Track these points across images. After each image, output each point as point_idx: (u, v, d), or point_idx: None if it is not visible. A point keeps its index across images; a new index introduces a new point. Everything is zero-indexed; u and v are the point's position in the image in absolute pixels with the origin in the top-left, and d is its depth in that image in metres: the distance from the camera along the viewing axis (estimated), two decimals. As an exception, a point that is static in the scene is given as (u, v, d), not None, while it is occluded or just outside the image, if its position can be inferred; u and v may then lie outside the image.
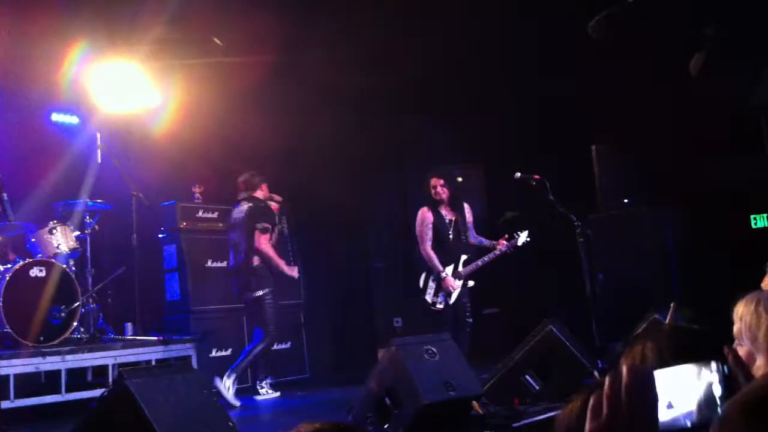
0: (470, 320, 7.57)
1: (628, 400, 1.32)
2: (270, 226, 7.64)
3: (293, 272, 7.80)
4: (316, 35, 9.01)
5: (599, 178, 8.71)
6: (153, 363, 7.22)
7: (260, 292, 7.54)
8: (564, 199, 7.19)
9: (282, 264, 7.68)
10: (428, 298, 7.48)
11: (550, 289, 8.88)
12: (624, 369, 1.33)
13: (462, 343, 7.25)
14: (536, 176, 7.24)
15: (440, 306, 7.45)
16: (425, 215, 7.59)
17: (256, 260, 7.55)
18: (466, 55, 9.08)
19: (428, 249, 7.51)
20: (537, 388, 6.17)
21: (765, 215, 7.59)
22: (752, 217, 7.65)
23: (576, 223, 7.04)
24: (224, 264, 8.49)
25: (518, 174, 7.29)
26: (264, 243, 7.55)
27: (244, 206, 7.67)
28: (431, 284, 7.48)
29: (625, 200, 8.54)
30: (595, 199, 8.66)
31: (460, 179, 9.59)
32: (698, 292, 6.99)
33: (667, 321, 4.77)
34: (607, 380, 1.34)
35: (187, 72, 9.18)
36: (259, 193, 7.80)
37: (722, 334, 2.16)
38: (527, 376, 6.20)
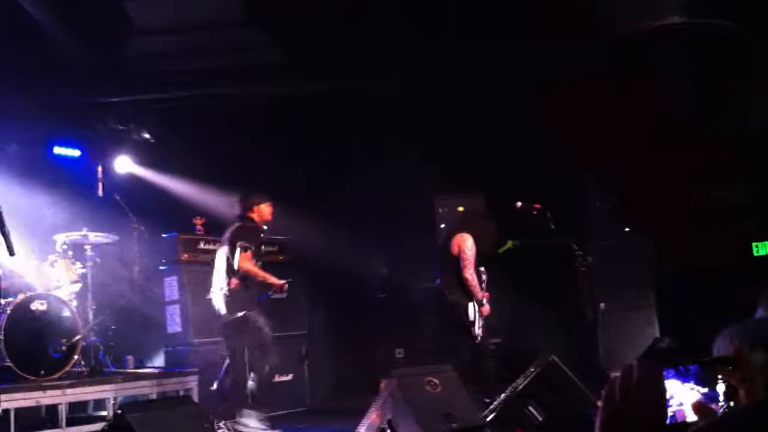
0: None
1: (639, 391, 1.38)
2: (250, 246, 7.37)
3: (281, 283, 7.51)
4: (310, 69, 9.10)
5: (600, 206, 8.73)
6: (154, 396, 7.18)
7: (240, 314, 7.33)
8: (564, 227, 7.19)
9: (270, 277, 7.46)
10: (478, 331, 7.36)
11: (551, 317, 8.86)
12: (635, 362, 1.42)
13: (488, 372, 7.26)
14: (537, 205, 7.25)
15: (479, 339, 7.36)
16: (469, 239, 7.50)
17: (233, 282, 7.36)
18: (465, 83, 9.14)
19: (473, 274, 7.42)
20: (540, 418, 6.13)
21: (766, 243, 7.60)
22: (754, 245, 7.65)
23: (577, 252, 7.04)
24: (226, 295, 8.50)
25: (519, 203, 7.29)
26: (250, 262, 7.34)
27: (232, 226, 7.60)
28: (478, 315, 7.38)
29: (626, 228, 8.55)
30: (594, 227, 8.67)
31: (460, 208, 9.61)
32: (699, 318, 6.97)
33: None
34: (619, 373, 1.43)
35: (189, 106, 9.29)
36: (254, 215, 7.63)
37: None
38: (530, 407, 6.17)
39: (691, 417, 1.76)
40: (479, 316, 7.31)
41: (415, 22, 8.22)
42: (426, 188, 9.67)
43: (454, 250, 7.47)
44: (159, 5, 8.32)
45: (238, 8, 8.27)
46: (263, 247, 7.62)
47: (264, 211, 7.63)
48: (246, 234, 7.41)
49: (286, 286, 7.50)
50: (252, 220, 7.56)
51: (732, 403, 1.78)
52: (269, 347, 7.33)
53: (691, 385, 1.81)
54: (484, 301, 7.41)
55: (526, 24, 8.11)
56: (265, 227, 7.77)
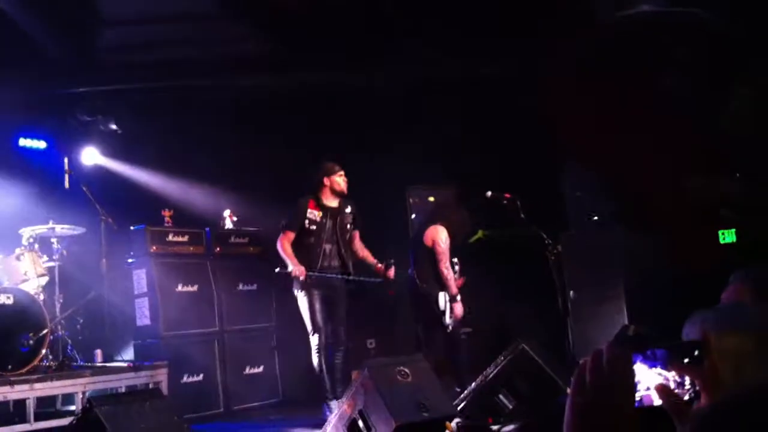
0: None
1: (608, 375, 1.40)
2: (287, 225, 7.25)
3: (297, 273, 7.11)
4: (288, 64, 9.05)
5: (569, 195, 8.76)
6: (123, 390, 7.12)
7: (294, 291, 7.28)
8: (534, 216, 7.22)
9: (290, 261, 7.15)
10: (449, 321, 7.35)
11: (522, 307, 8.89)
12: (604, 347, 1.43)
13: (459, 361, 7.29)
14: (507, 195, 7.27)
15: (450, 329, 7.37)
16: (443, 232, 7.51)
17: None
18: (436, 74, 9.14)
19: (449, 267, 7.44)
20: (510, 406, 6.16)
21: (733, 231, 7.66)
22: (720, 232, 7.71)
23: (547, 241, 7.07)
24: (195, 288, 8.43)
25: (489, 193, 7.31)
26: (279, 241, 7.22)
27: None
28: (448, 305, 7.38)
29: (595, 217, 8.58)
30: (565, 216, 8.70)
31: (431, 199, 9.61)
32: (668, 307, 7.02)
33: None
34: (589, 358, 1.44)
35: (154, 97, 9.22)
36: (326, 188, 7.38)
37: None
38: (500, 395, 6.20)
39: (658, 401, 1.77)
40: (450, 306, 7.33)
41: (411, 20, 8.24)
42: (399, 179, 9.64)
43: (428, 242, 7.49)
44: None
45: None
46: (309, 221, 7.25)
47: (336, 181, 7.38)
48: (290, 212, 7.32)
49: (296, 274, 7.11)
50: (317, 195, 7.36)
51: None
52: (313, 330, 7.18)
53: (658, 370, 1.82)
54: (458, 297, 7.42)
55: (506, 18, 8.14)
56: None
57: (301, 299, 7.21)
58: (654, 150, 7.88)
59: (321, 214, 7.29)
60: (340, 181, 7.36)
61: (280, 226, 7.32)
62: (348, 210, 7.47)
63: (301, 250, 7.23)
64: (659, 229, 7.95)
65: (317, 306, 7.18)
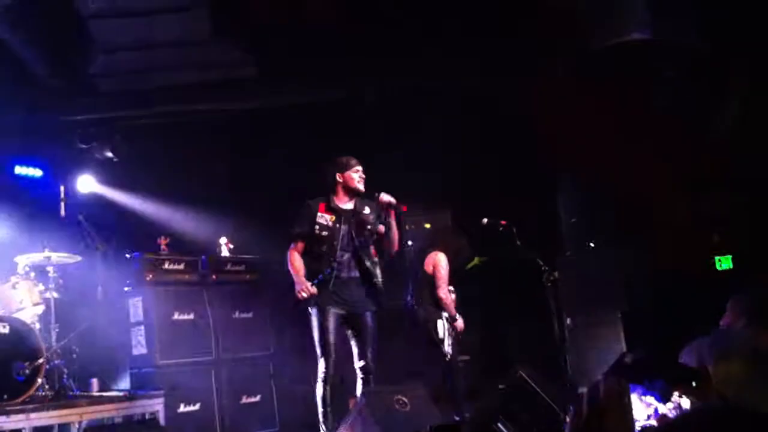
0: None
1: (606, 407, 1.41)
2: (291, 233, 6.39)
3: (299, 290, 6.18)
4: (281, 85, 9.08)
5: (564, 220, 8.78)
6: (119, 420, 7.06)
7: (308, 308, 6.33)
8: (529, 241, 7.23)
9: (294, 277, 6.23)
10: (448, 348, 7.31)
11: (519, 334, 8.88)
12: (602, 379, 1.44)
13: (457, 389, 7.25)
14: (503, 222, 7.29)
15: (448, 357, 7.33)
16: (444, 258, 7.49)
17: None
18: (427, 96, 9.18)
19: (447, 293, 7.40)
20: (509, 434, 6.13)
21: (729, 257, 7.69)
22: (717, 259, 7.74)
23: (543, 268, 7.08)
24: (191, 316, 8.39)
25: (485, 220, 7.33)
26: (288, 254, 6.35)
27: None
28: (447, 333, 7.33)
29: (591, 243, 8.60)
30: (560, 240, 8.71)
31: (428, 225, 9.61)
32: (665, 334, 7.03)
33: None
34: (585, 394, 1.44)
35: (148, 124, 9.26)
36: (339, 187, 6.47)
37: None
38: (499, 423, 6.17)
39: None
40: (449, 333, 7.32)
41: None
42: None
43: (428, 268, 7.49)
44: (123, 23, 8.27)
45: (207, 24, 8.24)
46: (319, 227, 6.31)
47: (351, 178, 6.44)
48: (296, 217, 6.46)
49: (302, 295, 6.16)
50: (329, 197, 6.43)
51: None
52: (321, 354, 6.19)
53: (654, 399, 1.83)
54: (458, 316, 7.42)
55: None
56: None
57: (313, 317, 6.25)
58: (649, 166, 7.92)
59: (333, 218, 6.34)
60: (356, 177, 6.42)
61: (288, 235, 6.42)
62: (367, 210, 6.47)
63: (313, 260, 6.31)
64: (654, 252, 7.96)
65: (330, 326, 6.19)
